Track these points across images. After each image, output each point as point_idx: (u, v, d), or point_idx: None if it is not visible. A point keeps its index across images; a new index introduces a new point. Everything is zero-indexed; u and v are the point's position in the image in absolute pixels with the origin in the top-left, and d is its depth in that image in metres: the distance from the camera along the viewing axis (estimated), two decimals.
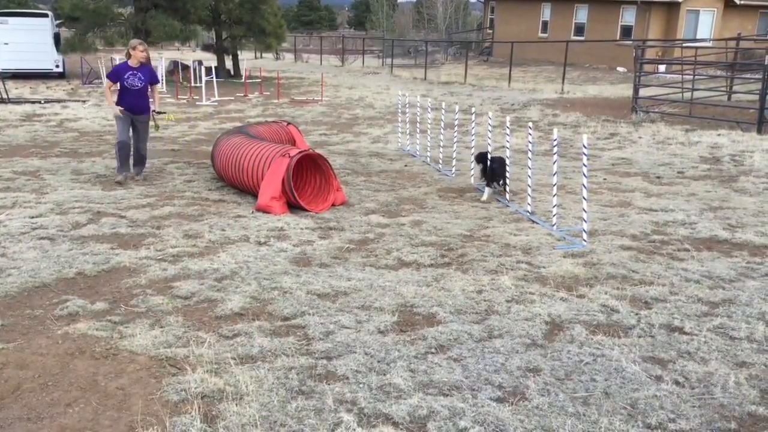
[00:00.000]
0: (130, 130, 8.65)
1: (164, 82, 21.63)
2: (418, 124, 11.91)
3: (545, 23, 36.22)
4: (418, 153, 11.39)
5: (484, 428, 3.26)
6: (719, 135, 13.25)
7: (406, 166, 10.53)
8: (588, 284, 5.27)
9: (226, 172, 8.40)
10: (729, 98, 17.64)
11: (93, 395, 3.49)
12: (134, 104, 8.56)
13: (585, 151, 6.41)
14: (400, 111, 12.67)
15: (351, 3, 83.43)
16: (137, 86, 8.50)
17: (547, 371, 3.86)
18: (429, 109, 11.77)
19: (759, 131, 13.32)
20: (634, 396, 3.58)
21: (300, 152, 7.58)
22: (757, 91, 14.26)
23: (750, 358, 4.02)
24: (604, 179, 9.52)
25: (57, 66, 25.61)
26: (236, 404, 3.41)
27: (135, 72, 8.48)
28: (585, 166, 6.39)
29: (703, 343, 4.21)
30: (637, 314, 4.68)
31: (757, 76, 15.63)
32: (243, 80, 24.60)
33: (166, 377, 3.69)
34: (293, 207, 7.46)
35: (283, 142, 9.43)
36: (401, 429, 3.26)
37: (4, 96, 17.20)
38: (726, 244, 6.42)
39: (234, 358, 3.93)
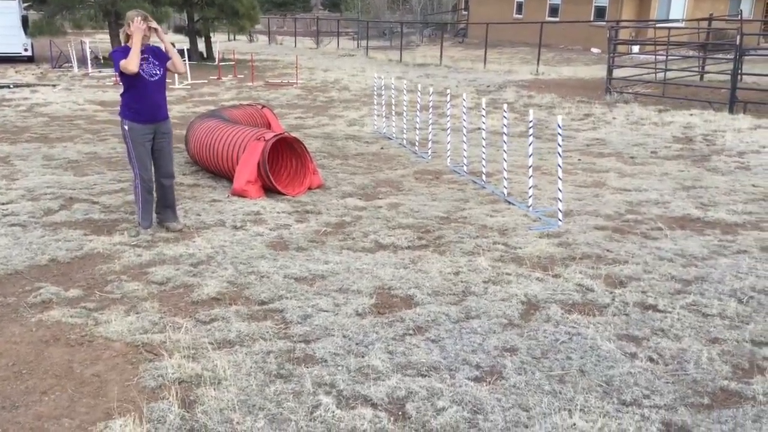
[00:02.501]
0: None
1: None
2: (393, 107, 11.85)
3: (520, 4, 36.24)
4: (394, 136, 11.35)
5: (462, 407, 3.29)
6: (692, 115, 13.39)
7: (382, 148, 10.49)
8: (563, 264, 5.32)
9: (201, 155, 8.31)
10: (701, 78, 17.82)
11: (69, 382, 3.46)
12: (156, 104, 5.85)
13: (560, 131, 6.44)
14: (375, 93, 12.60)
15: None
16: (157, 75, 5.76)
17: (524, 350, 3.90)
18: (405, 92, 11.74)
19: (731, 111, 13.48)
20: (609, 373, 3.63)
21: (275, 135, 7.52)
22: (729, 71, 14.43)
23: (722, 334, 4.09)
24: (579, 160, 9.58)
25: (26, 50, 25.11)
26: (214, 389, 3.40)
27: (146, 57, 5.68)
28: (560, 146, 6.42)
29: (676, 321, 4.28)
30: (611, 293, 4.74)
31: (729, 56, 15.78)
32: (216, 63, 24.33)
33: (143, 363, 3.67)
34: (269, 191, 7.41)
35: (257, 125, 9.35)
36: (380, 410, 3.27)
37: None
38: (698, 223, 6.51)
39: (211, 343, 3.91)
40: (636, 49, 22.85)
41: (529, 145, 7.01)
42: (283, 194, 7.40)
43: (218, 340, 3.95)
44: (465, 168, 8.64)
